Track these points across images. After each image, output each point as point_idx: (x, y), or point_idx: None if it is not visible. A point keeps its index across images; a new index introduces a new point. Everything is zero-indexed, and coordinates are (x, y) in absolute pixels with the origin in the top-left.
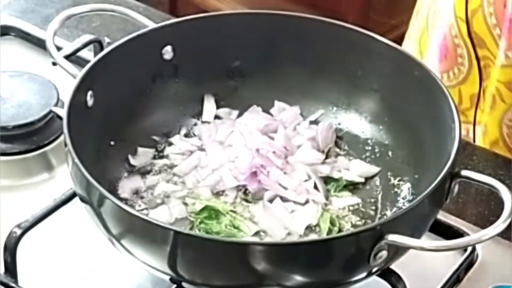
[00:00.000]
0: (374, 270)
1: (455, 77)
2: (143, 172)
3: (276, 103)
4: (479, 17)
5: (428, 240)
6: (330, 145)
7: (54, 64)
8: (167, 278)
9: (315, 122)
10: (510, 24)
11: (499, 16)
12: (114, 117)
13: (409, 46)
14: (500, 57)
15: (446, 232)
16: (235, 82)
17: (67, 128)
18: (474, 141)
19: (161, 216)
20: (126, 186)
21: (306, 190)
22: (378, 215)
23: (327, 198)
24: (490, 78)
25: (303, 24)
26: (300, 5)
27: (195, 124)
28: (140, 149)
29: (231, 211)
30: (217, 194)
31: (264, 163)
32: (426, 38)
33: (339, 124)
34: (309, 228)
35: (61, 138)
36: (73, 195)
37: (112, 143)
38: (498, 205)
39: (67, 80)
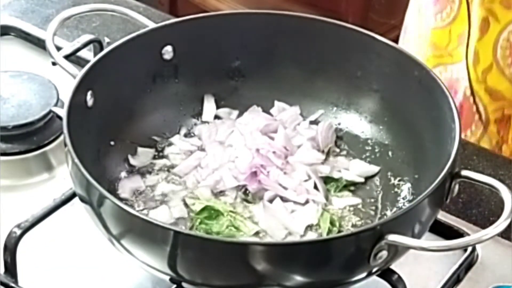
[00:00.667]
0: (374, 270)
1: (448, 16)
2: (143, 172)
3: (276, 103)
4: None
5: (428, 240)
6: (330, 145)
7: (54, 64)
8: (167, 278)
9: (315, 122)
10: None
11: None
12: (114, 117)
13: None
14: None
15: (446, 232)
16: (235, 82)
17: (67, 128)
18: (469, 75)
19: (161, 216)
20: (126, 186)
21: (306, 190)
22: (378, 215)
23: (327, 198)
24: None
25: (303, 24)
26: (300, 5)
27: (195, 124)
28: (140, 149)
29: (231, 211)
30: (217, 194)
31: (264, 163)
32: None
33: (339, 124)
34: (309, 228)
35: (61, 138)
36: (73, 195)
37: (112, 143)
38: (498, 205)
39: (67, 80)
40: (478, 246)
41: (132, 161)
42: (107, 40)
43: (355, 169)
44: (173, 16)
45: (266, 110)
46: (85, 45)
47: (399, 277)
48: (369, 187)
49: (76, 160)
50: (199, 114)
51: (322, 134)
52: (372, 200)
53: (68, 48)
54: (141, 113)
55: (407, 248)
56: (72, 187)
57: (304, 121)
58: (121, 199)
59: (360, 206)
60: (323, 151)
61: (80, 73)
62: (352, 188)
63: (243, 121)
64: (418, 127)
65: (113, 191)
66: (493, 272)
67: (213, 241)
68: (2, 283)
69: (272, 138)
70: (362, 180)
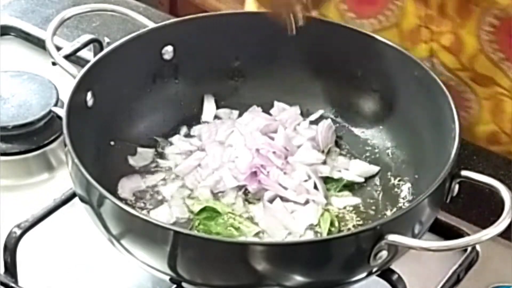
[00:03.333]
0: (374, 270)
1: (393, 15)
2: (143, 172)
3: (276, 103)
4: None
5: (428, 240)
6: (330, 145)
7: (54, 64)
8: (167, 278)
9: (315, 122)
10: None
11: None
12: (114, 117)
13: None
14: None
15: (446, 232)
16: (235, 82)
17: (67, 128)
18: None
19: (161, 216)
20: (126, 186)
21: (306, 190)
22: (378, 215)
23: (327, 198)
24: None
25: (303, 24)
26: None
27: (195, 124)
28: (140, 149)
29: (231, 212)
30: (217, 194)
31: (264, 163)
32: None
33: (339, 124)
34: (309, 228)
35: (61, 138)
36: (73, 195)
37: (112, 143)
38: (498, 205)
39: (67, 80)
40: (478, 246)
41: (132, 161)
42: (107, 40)
43: (355, 169)
44: (173, 16)
45: (266, 110)
46: (85, 45)
47: (399, 277)
48: (369, 187)
49: (76, 160)
50: (199, 114)
51: (322, 134)
52: (372, 200)
53: (68, 48)
54: (141, 113)
55: (407, 248)
56: (72, 187)
57: (304, 121)
58: (121, 199)
59: (360, 206)
60: (323, 151)
61: (80, 73)
62: (352, 188)
63: (243, 121)
64: (418, 127)
65: (113, 191)
66: (493, 272)
67: (213, 241)
68: (2, 283)
69: (272, 138)
70: (362, 180)
